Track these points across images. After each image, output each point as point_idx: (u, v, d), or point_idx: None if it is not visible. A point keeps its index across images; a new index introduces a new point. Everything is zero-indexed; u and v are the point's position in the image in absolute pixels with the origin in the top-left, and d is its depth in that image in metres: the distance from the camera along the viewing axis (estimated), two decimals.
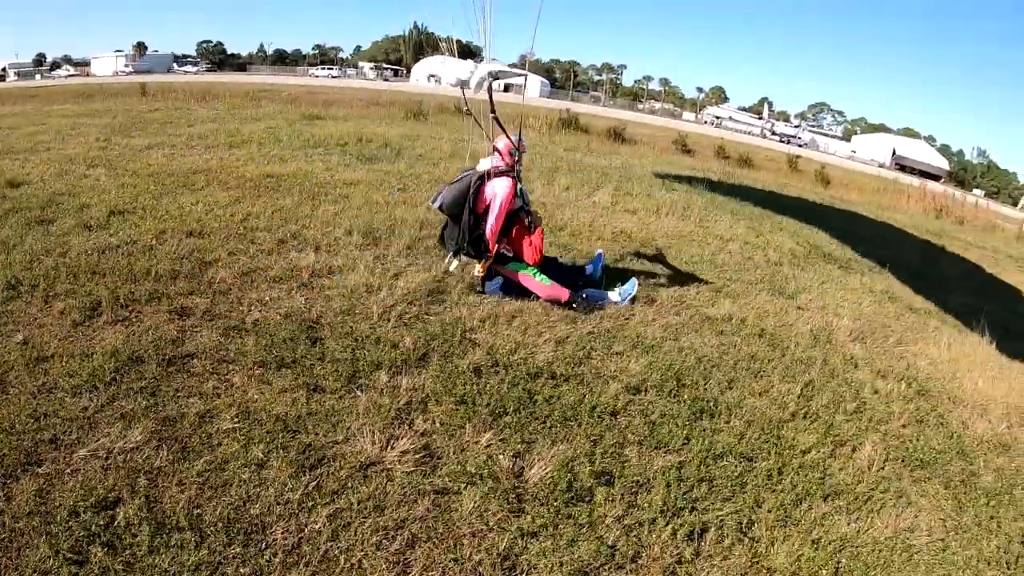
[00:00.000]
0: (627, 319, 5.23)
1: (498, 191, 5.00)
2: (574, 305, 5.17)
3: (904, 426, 4.37)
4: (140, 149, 10.04)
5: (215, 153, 10.00)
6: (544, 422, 3.64)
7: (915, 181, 23.80)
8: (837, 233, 10.54)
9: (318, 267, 5.30)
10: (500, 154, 5.18)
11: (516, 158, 5.16)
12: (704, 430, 3.84)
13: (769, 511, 3.23)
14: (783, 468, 3.61)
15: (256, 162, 9.43)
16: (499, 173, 5.06)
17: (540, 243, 5.22)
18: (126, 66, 71.30)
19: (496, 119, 5.10)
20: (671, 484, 3.29)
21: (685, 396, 4.16)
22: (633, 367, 4.41)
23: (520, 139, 5.26)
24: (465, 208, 4.99)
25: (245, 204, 6.96)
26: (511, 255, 5.42)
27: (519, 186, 5.24)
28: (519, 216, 5.24)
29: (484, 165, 5.19)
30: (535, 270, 5.24)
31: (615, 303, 5.39)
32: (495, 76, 5.12)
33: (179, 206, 6.67)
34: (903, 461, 3.95)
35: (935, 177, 54.14)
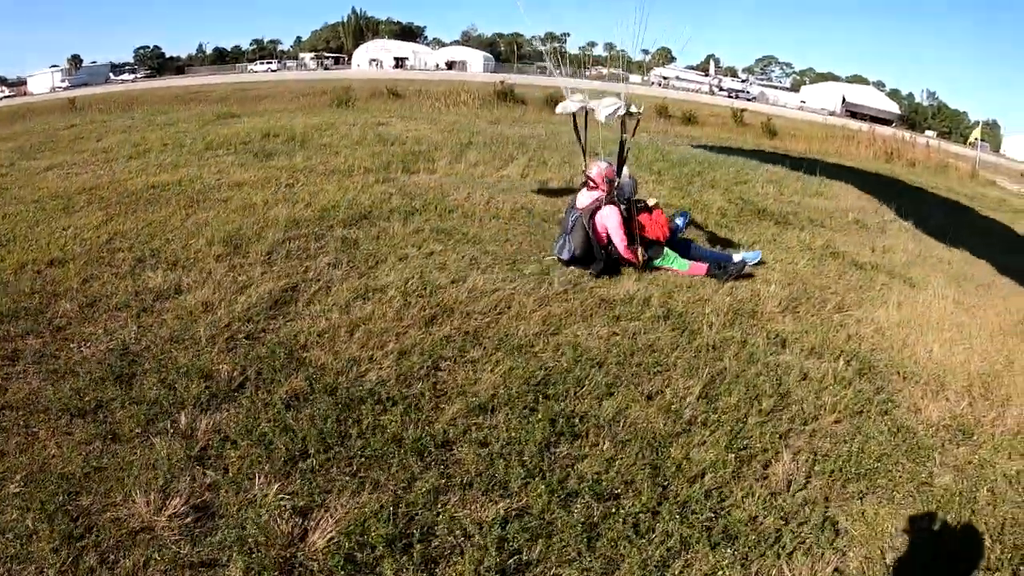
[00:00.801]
0: (500, 313, 4.20)
1: (608, 223, 5.29)
2: (716, 275, 5.38)
3: (837, 422, 3.40)
4: (38, 172, 8.86)
5: (110, 168, 8.84)
6: (350, 464, 2.82)
7: (864, 127, 22.74)
8: (776, 187, 9.59)
9: (165, 287, 4.60)
10: (594, 183, 5.39)
11: (615, 183, 5.38)
12: (560, 459, 2.84)
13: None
14: (659, 507, 2.61)
15: (148, 172, 8.34)
16: (601, 204, 5.32)
17: (662, 220, 5.51)
18: (63, 81, 66.18)
19: (582, 147, 5.79)
20: (493, 546, 2.31)
21: (542, 413, 3.13)
22: (487, 378, 3.40)
23: (614, 165, 5.47)
24: (593, 247, 5.24)
25: (117, 222, 6.13)
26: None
27: (627, 189, 5.51)
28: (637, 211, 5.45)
29: (584, 201, 5.42)
30: (672, 257, 5.48)
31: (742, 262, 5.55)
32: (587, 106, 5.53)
33: (50, 232, 5.91)
34: (832, 475, 2.96)
35: (887, 122, 53.08)
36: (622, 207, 5.40)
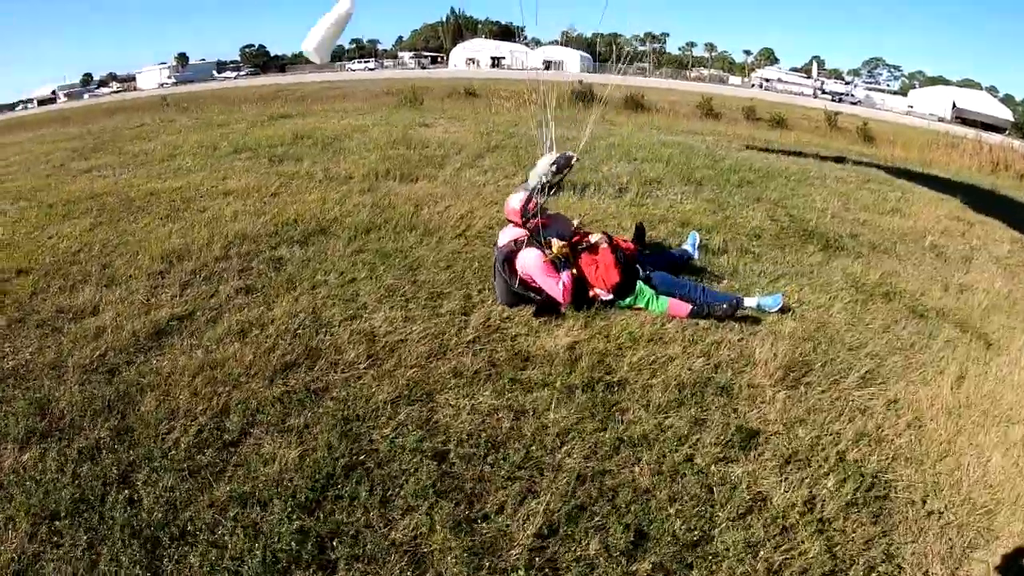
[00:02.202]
0: (370, 366, 3.25)
1: (528, 266, 4.18)
2: (702, 316, 4.16)
3: None
4: (78, 174, 9.11)
5: (134, 172, 8.85)
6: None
7: (971, 133, 18.91)
8: (842, 200, 7.77)
9: (85, 306, 4.35)
10: (512, 223, 4.41)
11: (531, 216, 4.31)
12: None
13: None
14: None
15: (159, 178, 8.22)
16: (520, 247, 4.27)
17: (609, 261, 4.25)
18: (169, 78, 70.49)
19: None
20: None
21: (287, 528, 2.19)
22: (279, 460, 2.50)
23: (534, 199, 4.38)
24: (517, 296, 4.23)
25: (96, 232, 6.01)
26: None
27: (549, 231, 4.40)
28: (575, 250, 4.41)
29: (504, 239, 4.43)
30: (646, 296, 4.25)
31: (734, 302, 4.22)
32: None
33: (37, 240, 5.92)
34: None
35: (999, 129, 46.00)
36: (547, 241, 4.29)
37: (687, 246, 5.05)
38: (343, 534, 2.31)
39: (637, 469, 2.69)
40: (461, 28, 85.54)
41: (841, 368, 3.70)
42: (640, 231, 5.14)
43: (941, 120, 48.31)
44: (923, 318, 4.54)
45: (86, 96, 58.37)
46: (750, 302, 4.29)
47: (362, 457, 2.72)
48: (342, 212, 6.07)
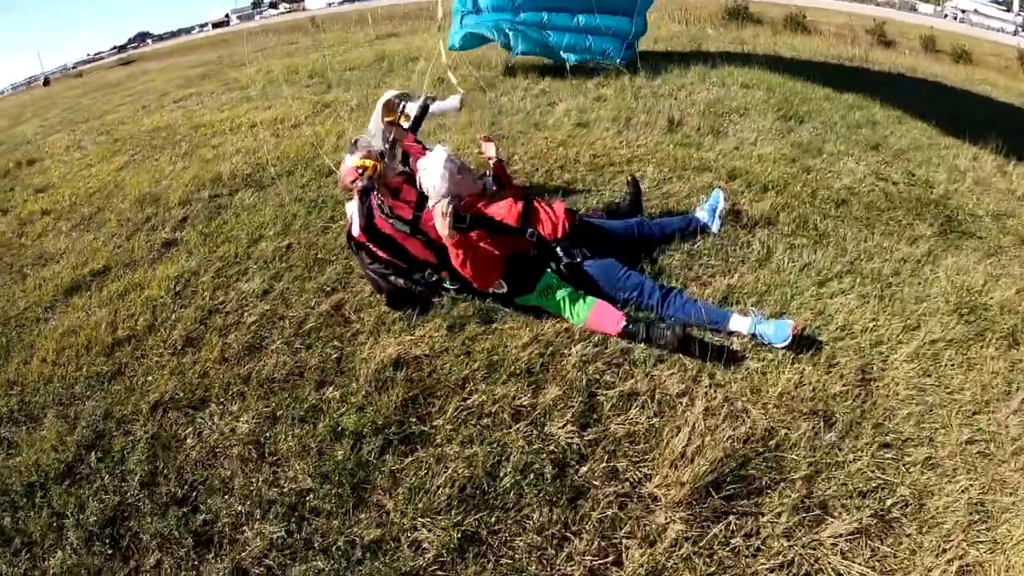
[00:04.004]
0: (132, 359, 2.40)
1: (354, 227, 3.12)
2: (637, 340, 2.62)
3: None
4: (171, 103, 9.55)
5: (212, 101, 8.90)
6: None
7: None
8: (1004, 159, 4.97)
9: (51, 253, 4.39)
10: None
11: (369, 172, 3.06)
12: None
13: None
14: None
15: (221, 109, 8.05)
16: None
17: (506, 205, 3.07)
18: None
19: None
20: None
21: None
22: None
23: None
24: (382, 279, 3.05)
25: (127, 171, 6.02)
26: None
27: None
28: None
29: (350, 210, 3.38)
30: (558, 293, 2.76)
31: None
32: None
33: (80, 177, 6.10)
34: None
35: None
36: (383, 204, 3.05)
37: (702, 211, 3.34)
38: None
39: None
40: None
41: (845, 491, 2.03)
42: (635, 190, 3.54)
43: None
44: None
45: (256, 18, 57.54)
46: (740, 324, 2.62)
47: None
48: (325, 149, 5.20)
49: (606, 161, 4.53)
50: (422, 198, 3.02)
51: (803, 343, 2.57)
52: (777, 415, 2.27)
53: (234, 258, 3.73)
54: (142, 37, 62.08)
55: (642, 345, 2.56)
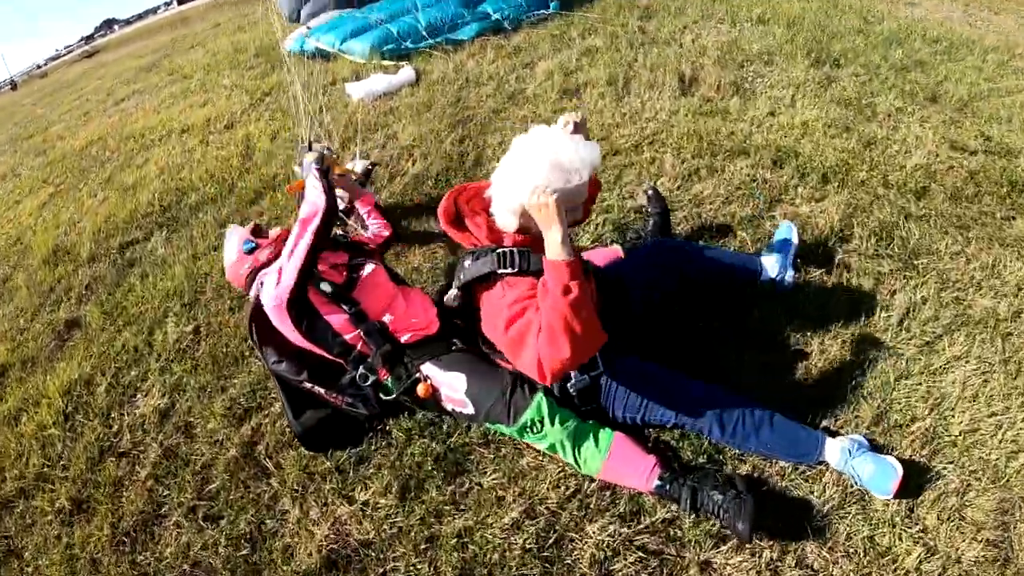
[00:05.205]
0: None
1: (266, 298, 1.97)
2: (676, 502, 1.67)
3: None
4: (111, 107, 8.28)
5: (149, 99, 7.68)
6: None
7: None
8: None
9: None
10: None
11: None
12: None
13: None
14: None
15: (156, 110, 6.89)
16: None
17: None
18: None
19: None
20: None
21: None
22: None
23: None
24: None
25: (50, 207, 5.09)
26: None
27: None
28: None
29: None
30: (548, 436, 1.77)
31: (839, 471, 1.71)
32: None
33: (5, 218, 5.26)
34: None
35: None
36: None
37: (769, 257, 2.26)
38: None
39: None
40: None
41: None
42: (660, 208, 2.52)
43: None
44: None
45: None
46: (833, 453, 1.66)
47: None
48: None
49: (607, 149, 3.44)
50: (355, 258, 2.07)
51: (916, 472, 1.64)
52: None
53: (133, 355, 2.81)
54: (108, 24, 58.22)
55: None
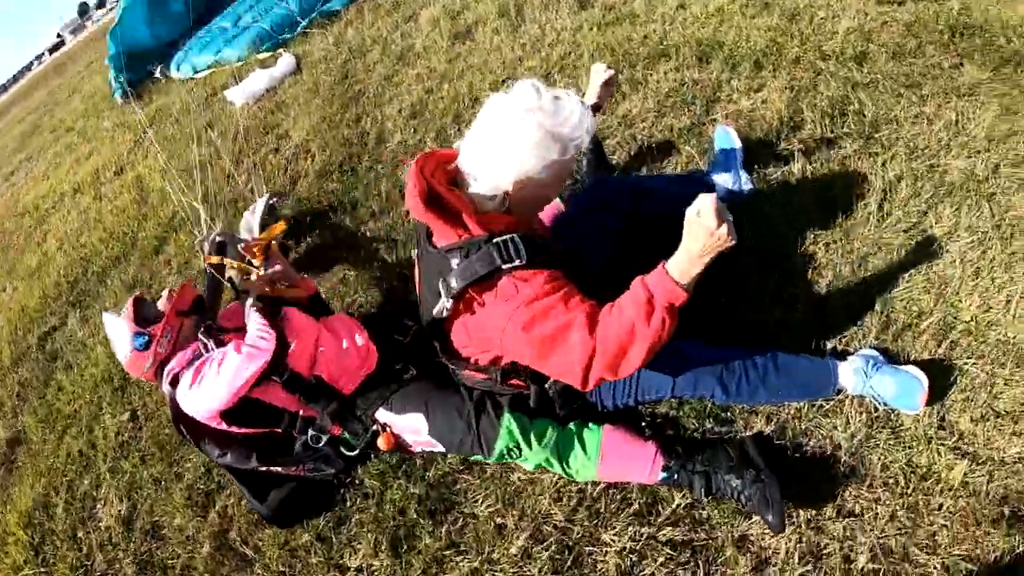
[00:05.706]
0: None
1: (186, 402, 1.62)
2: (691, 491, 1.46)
3: None
4: (2, 182, 7.53)
5: (38, 165, 6.99)
6: None
7: None
8: None
9: None
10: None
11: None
12: None
13: None
14: None
15: (45, 176, 6.41)
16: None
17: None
18: None
19: None
20: None
21: None
22: None
23: None
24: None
25: None
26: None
27: None
28: None
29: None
30: (521, 446, 1.52)
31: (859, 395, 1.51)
32: None
33: None
34: None
35: None
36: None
37: (720, 175, 2.02)
38: None
39: None
40: None
41: None
42: (593, 145, 2.25)
43: None
44: None
45: (89, 24, 48.97)
46: (848, 377, 1.48)
47: None
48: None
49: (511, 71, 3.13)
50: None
51: (938, 373, 1.47)
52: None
53: (80, 460, 2.52)
54: None
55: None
